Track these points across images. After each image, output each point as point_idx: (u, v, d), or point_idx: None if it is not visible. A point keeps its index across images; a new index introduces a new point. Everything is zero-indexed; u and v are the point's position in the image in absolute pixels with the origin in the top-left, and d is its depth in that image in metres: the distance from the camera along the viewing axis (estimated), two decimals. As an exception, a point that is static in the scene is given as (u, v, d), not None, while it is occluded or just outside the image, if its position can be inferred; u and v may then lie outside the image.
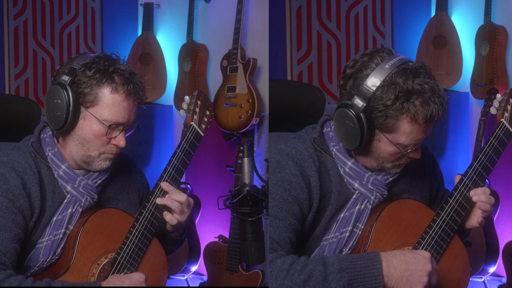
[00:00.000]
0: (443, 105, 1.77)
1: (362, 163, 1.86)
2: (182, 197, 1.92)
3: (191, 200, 1.95)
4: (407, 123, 1.75)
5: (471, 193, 1.84)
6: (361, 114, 1.75)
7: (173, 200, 1.91)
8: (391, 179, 1.88)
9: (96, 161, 1.89)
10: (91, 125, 1.85)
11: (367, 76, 1.75)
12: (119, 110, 1.86)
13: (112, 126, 1.86)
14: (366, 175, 1.85)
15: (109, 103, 1.85)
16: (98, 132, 1.86)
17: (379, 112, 1.74)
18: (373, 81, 1.74)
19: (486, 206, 1.84)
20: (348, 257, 1.69)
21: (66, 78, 1.84)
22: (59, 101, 1.83)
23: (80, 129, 1.86)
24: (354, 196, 1.85)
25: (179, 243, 2.06)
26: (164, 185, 1.92)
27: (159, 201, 1.91)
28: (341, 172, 1.86)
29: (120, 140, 1.89)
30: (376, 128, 1.78)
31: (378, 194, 1.85)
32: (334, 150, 1.87)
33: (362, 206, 1.84)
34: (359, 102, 1.75)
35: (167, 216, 1.91)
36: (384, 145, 1.80)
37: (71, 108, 1.82)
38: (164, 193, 1.93)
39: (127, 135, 1.92)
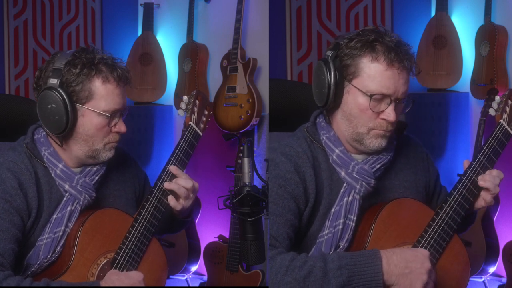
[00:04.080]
0: (410, 56, 1.82)
1: (341, 132, 1.86)
2: (189, 183, 1.94)
3: (197, 185, 1.98)
4: (369, 62, 1.79)
5: (479, 178, 1.87)
6: (329, 61, 1.82)
7: (180, 186, 1.93)
8: (378, 166, 1.87)
9: (102, 152, 1.91)
10: (91, 120, 1.87)
11: (341, 36, 1.86)
12: (114, 98, 1.88)
13: (112, 115, 1.88)
14: (352, 163, 1.85)
15: (103, 94, 1.86)
16: (99, 124, 1.87)
17: (344, 56, 1.82)
18: (344, 37, 1.85)
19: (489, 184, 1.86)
20: (348, 254, 1.70)
21: (54, 81, 1.84)
22: (54, 105, 1.83)
23: (81, 127, 1.87)
24: (342, 189, 1.85)
25: (185, 224, 2.11)
26: (173, 168, 1.94)
27: (166, 185, 1.93)
28: (330, 160, 1.87)
29: (121, 126, 1.92)
30: (345, 80, 1.82)
31: (364, 183, 1.84)
32: (324, 138, 1.88)
33: (350, 198, 1.84)
34: (329, 52, 1.85)
35: (172, 202, 1.94)
36: (353, 96, 1.82)
37: (68, 109, 1.83)
38: (171, 178, 1.95)
39: (123, 119, 1.94)
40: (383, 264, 1.66)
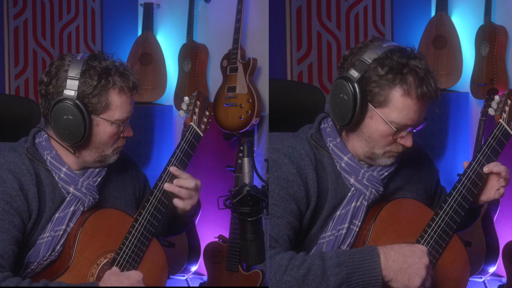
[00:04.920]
0: (436, 87, 1.78)
1: (353, 147, 1.86)
2: (190, 183, 1.95)
3: (199, 183, 1.98)
4: (400, 96, 1.76)
5: (485, 168, 1.86)
6: (355, 84, 1.77)
7: (181, 188, 1.94)
8: (386, 173, 1.87)
9: (110, 157, 1.94)
10: (105, 129, 1.88)
11: (365, 52, 1.79)
12: (127, 107, 1.91)
13: (125, 123, 1.91)
14: (362, 170, 1.85)
15: (118, 104, 1.88)
16: (112, 132, 1.90)
17: (373, 82, 1.77)
18: (369, 55, 1.78)
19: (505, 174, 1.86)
20: (346, 251, 1.70)
21: (70, 92, 1.83)
22: (70, 116, 1.83)
23: (94, 135, 1.88)
24: (349, 194, 1.85)
25: (189, 223, 2.14)
26: (173, 169, 1.95)
27: (167, 187, 1.94)
28: (338, 167, 1.87)
29: (129, 131, 1.95)
30: (369, 103, 1.79)
31: (373, 190, 1.84)
32: (331, 145, 1.88)
33: (358, 203, 1.84)
34: (354, 73, 1.78)
35: (179, 204, 1.95)
36: (375, 123, 1.80)
37: (86, 121, 1.83)
38: (172, 178, 1.95)
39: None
40: (381, 260, 1.66)
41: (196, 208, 2.07)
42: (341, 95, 1.80)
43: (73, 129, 1.84)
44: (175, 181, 1.95)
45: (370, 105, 1.79)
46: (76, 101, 1.83)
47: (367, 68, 1.77)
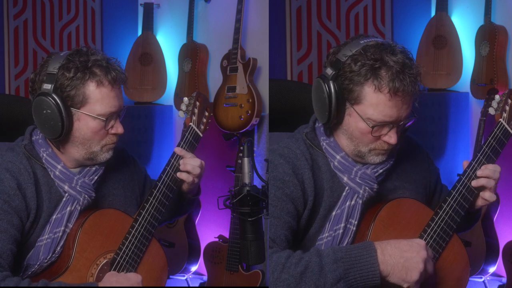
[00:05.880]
0: (412, 82, 1.76)
1: (342, 146, 1.86)
2: (197, 161, 1.98)
3: (203, 162, 2.01)
4: (372, 92, 1.75)
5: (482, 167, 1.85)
6: (330, 82, 1.78)
7: (194, 166, 1.97)
8: (381, 171, 1.87)
9: (99, 154, 1.91)
10: (87, 124, 1.86)
11: (342, 49, 1.80)
12: (109, 101, 1.86)
13: (108, 118, 1.87)
14: (355, 168, 1.85)
15: (98, 98, 1.85)
16: (95, 128, 1.86)
17: (347, 79, 1.77)
18: (345, 52, 1.78)
19: (486, 181, 1.85)
20: (343, 248, 1.70)
21: (48, 86, 1.82)
22: (49, 111, 1.82)
23: (77, 131, 1.86)
24: (344, 193, 1.85)
25: (194, 202, 2.16)
26: (178, 149, 1.97)
27: (182, 167, 1.96)
28: (332, 166, 1.87)
29: (117, 127, 1.91)
30: (347, 100, 1.78)
31: (367, 188, 1.84)
32: (324, 144, 1.88)
33: (353, 202, 1.84)
34: (329, 70, 1.79)
35: (183, 175, 1.96)
36: (354, 120, 1.80)
37: (63, 114, 1.82)
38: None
39: (120, 119, 1.92)
40: (378, 255, 1.66)
41: (199, 187, 2.11)
42: (319, 94, 1.81)
43: (53, 123, 1.82)
44: (182, 160, 1.96)
45: (347, 103, 1.79)
46: (53, 94, 1.81)
47: (341, 66, 1.77)
